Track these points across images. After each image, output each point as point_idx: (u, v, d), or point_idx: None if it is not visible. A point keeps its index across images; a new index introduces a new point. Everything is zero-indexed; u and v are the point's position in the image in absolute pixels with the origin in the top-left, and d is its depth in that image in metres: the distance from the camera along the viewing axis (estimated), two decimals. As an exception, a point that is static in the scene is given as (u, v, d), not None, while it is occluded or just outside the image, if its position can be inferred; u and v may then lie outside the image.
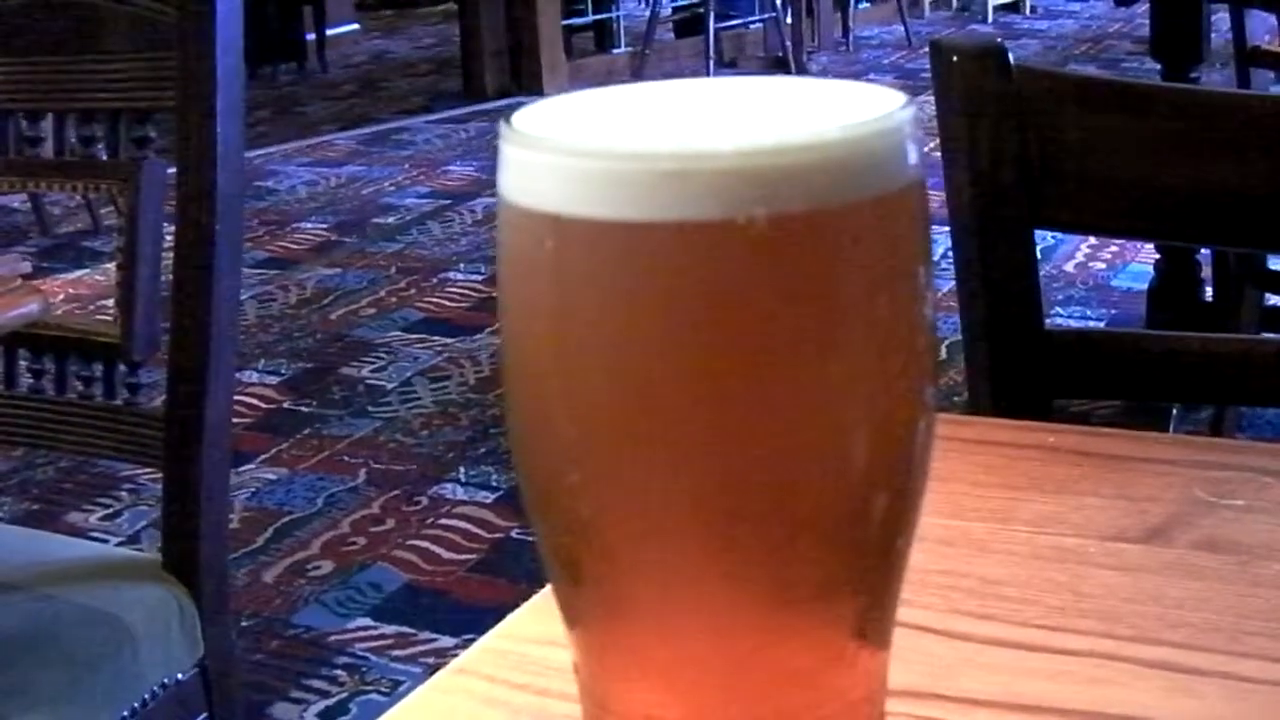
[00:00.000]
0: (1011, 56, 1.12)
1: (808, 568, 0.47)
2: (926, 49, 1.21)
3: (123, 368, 1.67)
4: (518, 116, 0.48)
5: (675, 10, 9.30)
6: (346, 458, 3.60)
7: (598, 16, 9.04)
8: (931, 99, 1.14)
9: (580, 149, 0.45)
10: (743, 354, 0.45)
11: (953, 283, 1.18)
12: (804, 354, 0.45)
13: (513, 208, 0.47)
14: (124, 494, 3.42)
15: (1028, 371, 1.16)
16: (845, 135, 0.45)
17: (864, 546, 0.48)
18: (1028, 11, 10.74)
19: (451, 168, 6.65)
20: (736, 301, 0.44)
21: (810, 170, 0.44)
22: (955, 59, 1.13)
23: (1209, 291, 3.54)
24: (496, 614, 0.72)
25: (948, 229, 1.16)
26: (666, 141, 0.45)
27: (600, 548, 0.48)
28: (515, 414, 0.50)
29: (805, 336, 0.45)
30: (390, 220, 5.82)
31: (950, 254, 1.17)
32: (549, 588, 0.52)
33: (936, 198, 1.18)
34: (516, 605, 0.72)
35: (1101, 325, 4.26)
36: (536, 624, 0.69)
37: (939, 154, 1.15)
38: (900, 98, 0.47)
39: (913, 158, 0.47)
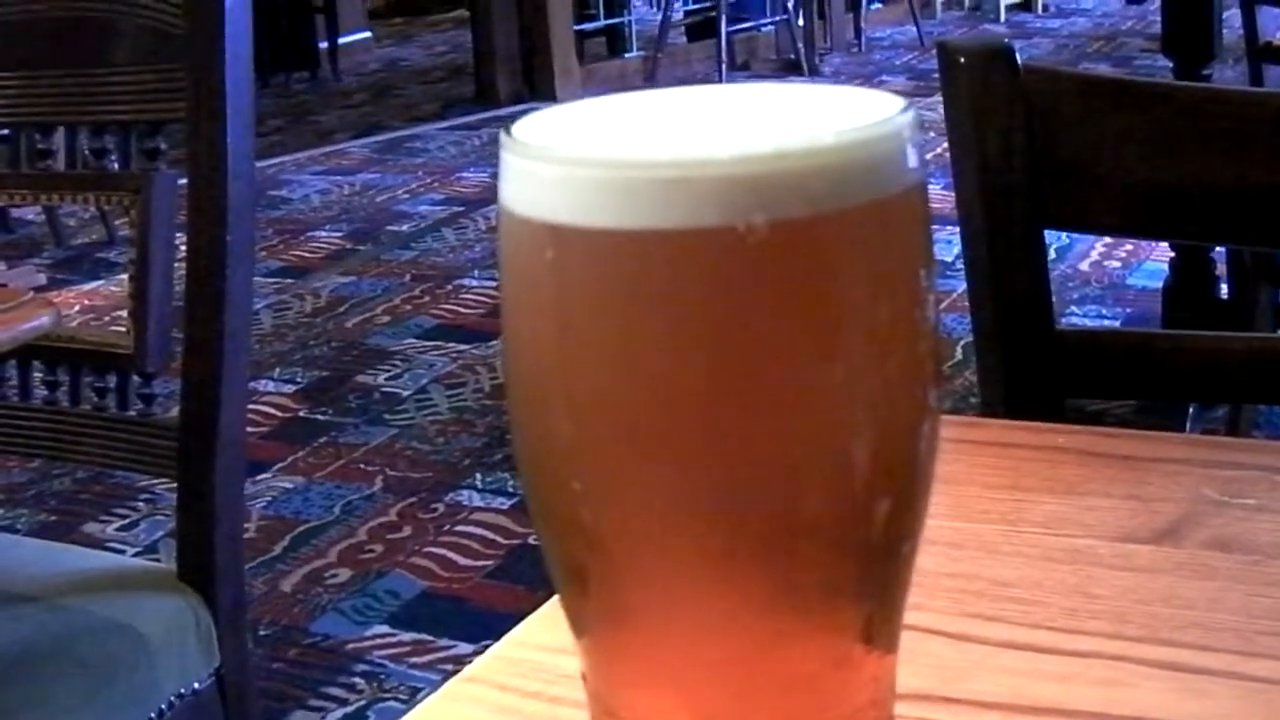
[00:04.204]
0: (1020, 56, 1.12)
1: (812, 573, 0.47)
2: (935, 50, 1.20)
3: (136, 379, 1.67)
4: (518, 126, 0.48)
5: (687, 14, 9.31)
6: (363, 465, 3.61)
7: (610, 21, 9.05)
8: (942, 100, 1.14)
9: (579, 158, 0.45)
10: (744, 360, 0.45)
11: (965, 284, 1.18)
12: (805, 359, 0.45)
13: (513, 217, 0.47)
14: (141, 505, 3.43)
15: (1040, 372, 1.15)
16: (843, 140, 0.45)
17: (869, 550, 0.48)
18: (1040, 10, 10.72)
19: (465, 174, 6.66)
20: (737, 308, 0.44)
21: (809, 176, 0.44)
22: (963, 60, 1.12)
23: (1225, 289, 3.53)
24: (514, 620, 0.72)
25: (959, 231, 1.16)
26: (665, 149, 0.45)
27: (604, 555, 0.48)
28: (518, 422, 0.50)
29: (806, 342, 0.45)
30: (404, 228, 5.83)
31: (962, 256, 1.17)
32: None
33: (947, 199, 1.18)
34: (534, 611, 0.72)
35: (1117, 324, 4.26)
36: (547, 631, 0.69)
37: (949, 155, 1.15)
38: (899, 102, 0.47)
39: (912, 161, 0.47)
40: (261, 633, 2.82)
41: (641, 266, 0.44)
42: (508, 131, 0.47)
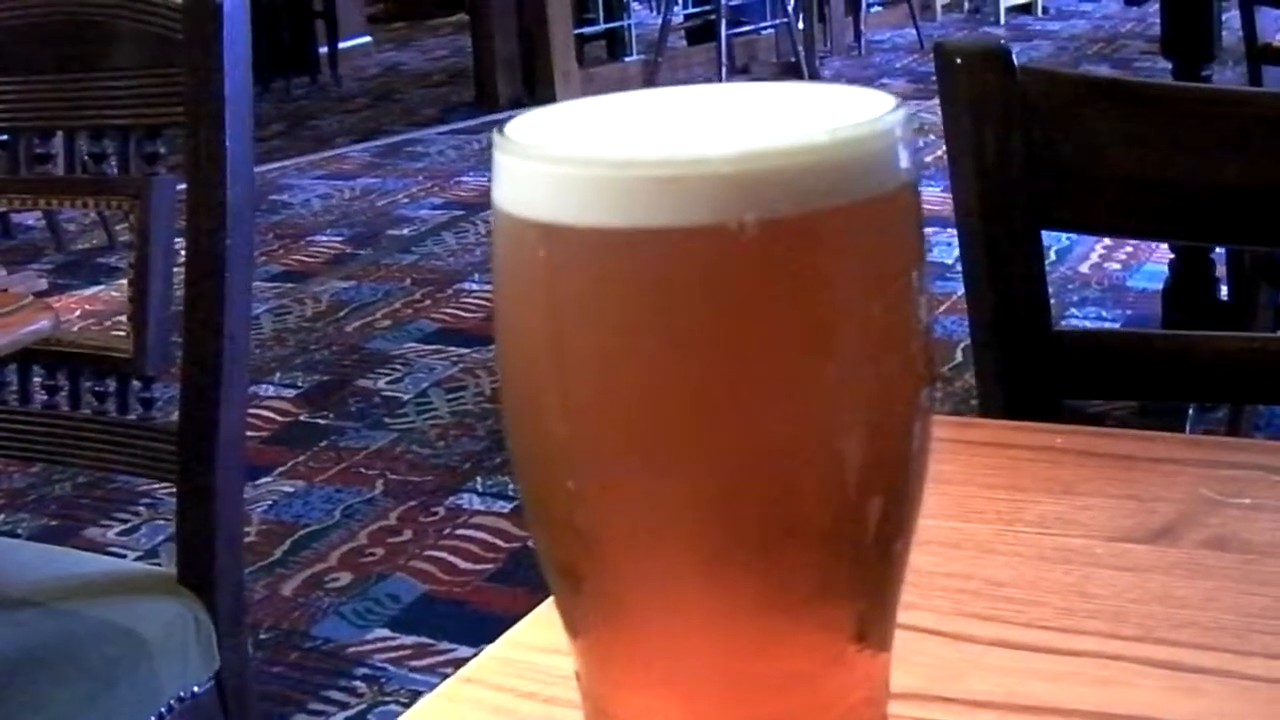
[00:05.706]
0: (1020, 59, 1.12)
1: (805, 571, 0.47)
2: (934, 52, 1.20)
3: (136, 383, 1.68)
4: (511, 126, 0.48)
5: (687, 17, 9.30)
6: (363, 469, 3.61)
7: (609, 25, 9.04)
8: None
9: (571, 157, 0.45)
10: (736, 359, 0.45)
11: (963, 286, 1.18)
12: (797, 358, 0.45)
13: (506, 216, 0.47)
14: (142, 509, 3.43)
15: (1038, 373, 1.15)
16: (834, 139, 0.45)
17: (861, 550, 0.48)
18: (1040, 13, 10.72)
19: (465, 179, 6.66)
20: (729, 306, 0.44)
21: (800, 174, 0.44)
22: (960, 61, 1.12)
23: (1225, 291, 3.52)
24: (514, 623, 0.72)
25: (958, 233, 1.16)
26: (657, 148, 0.45)
27: (597, 555, 0.48)
28: (513, 422, 0.50)
29: (798, 340, 0.45)
30: (404, 232, 5.83)
31: (960, 258, 1.17)
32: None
33: (946, 202, 1.18)
34: (534, 614, 0.72)
35: (1117, 326, 4.25)
36: (543, 632, 0.69)
37: (947, 157, 1.15)
38: (891, 100, 0.47)
39: (904, 161, 0.47)
40: (262, 636, 2.82)
41: (634, 265, 0.45)
42: (500, 131, 0.48)
